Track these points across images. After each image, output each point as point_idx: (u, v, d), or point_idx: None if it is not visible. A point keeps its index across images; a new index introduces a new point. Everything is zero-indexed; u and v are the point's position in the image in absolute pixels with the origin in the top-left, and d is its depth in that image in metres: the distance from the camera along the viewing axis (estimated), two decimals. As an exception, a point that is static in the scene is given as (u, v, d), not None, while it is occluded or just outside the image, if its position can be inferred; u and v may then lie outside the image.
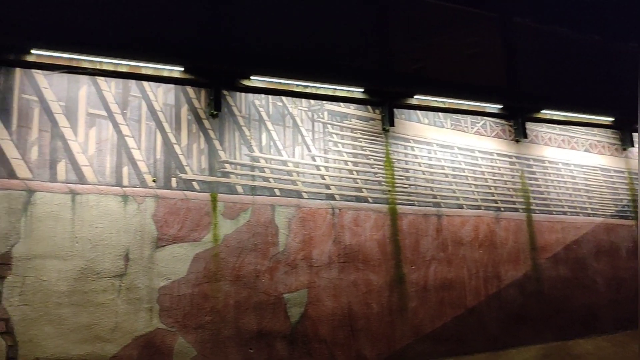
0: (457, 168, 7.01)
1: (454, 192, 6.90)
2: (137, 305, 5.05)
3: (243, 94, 5.88)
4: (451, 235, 6.63)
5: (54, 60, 5.12)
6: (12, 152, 4.92)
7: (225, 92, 5.80)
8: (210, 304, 5.29)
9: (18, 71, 5.08)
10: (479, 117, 7.25)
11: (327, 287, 5.81)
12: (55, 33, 5.07)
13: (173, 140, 5.53)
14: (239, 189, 5.68)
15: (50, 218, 4.92)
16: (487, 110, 7.06)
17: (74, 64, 5.21)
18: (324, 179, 6.14)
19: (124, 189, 5.20)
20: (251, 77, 5.72)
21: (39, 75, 5.14)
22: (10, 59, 5.00)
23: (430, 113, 6.88)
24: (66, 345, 4.75)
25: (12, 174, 4.87)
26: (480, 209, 6.96)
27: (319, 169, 6.13)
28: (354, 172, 6.30)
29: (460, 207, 6.87)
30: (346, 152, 6.34)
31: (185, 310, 5.21)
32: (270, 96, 6.01)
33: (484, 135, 7.37)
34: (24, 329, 4.68)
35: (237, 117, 5.89)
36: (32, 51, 5.01)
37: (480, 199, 7.05)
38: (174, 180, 5.43)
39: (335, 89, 6.10)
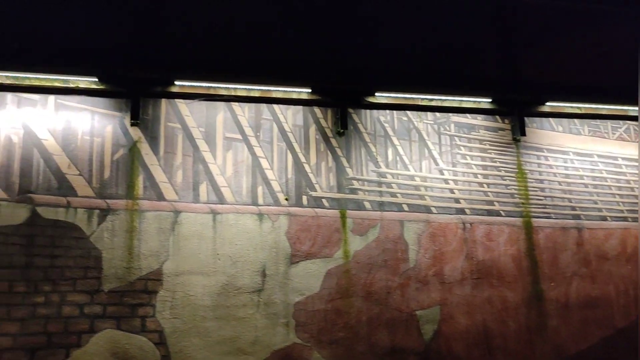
0: (598, 177, 6.89)
1: (596, 203, 6.78)
2: (274, 320, 5.58)
3: (368, 111, 6.30)
4: (594, 250, 6.51)
5: (194, 89, 5.87)
6: (160, 176, 5.71)
7: (350, 110, 6.26)
8: (344, 320, 5.69)
9: (163, 102, 5.90)
10: (621, 122, 7.08)
11: (460, 304, 5.99)
12: (195, 65, 5.83)
13: (303, 159, 6.06)
14: (367, 205, 6.07)
15: (194, 236, 5.62)
16: (630, 113, 6.89)
17: (211, 92, 5.93)
18: (453, 193, 6.36)
19: (259, 207, 5.80)
20: (376, 94, 6.12)
21: (182, 105, 5.92)
22: (157, 91, 5.82)
23: (565, 120, 6.85)
24: (212, 356, 5.37)
25: (160, 197, 5.65)
26: (627, 221, 6.77)
27: (447, 183, 6.36)
28: (485, 185, 6.44)
29: (604, 219, 6.73)
30: (475, 165, 6.51)
31: (320, 326, 5.65)
32: (395, 111, 6.37)
33: (628, 141, 7.17)
34: (175, 341, 5.37)
35: (363, 134, 6.32)
36: (176, 82, 5.80)
37: (627, 209, 6.85)
38: (304, 198, 5.95)
39: (461, 100, 6.32)
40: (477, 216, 6.18)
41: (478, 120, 6.61)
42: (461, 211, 6.17)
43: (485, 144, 6.55)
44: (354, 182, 6.01)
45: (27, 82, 5.36)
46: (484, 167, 6.45)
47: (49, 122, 5.41)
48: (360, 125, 6.19)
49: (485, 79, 6.38)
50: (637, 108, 6.95)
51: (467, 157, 6.44)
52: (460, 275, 5.97)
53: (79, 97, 5.53)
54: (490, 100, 6.31)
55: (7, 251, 5.07)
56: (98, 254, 5.22)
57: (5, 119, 5.31)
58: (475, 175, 6.39)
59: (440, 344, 5.74)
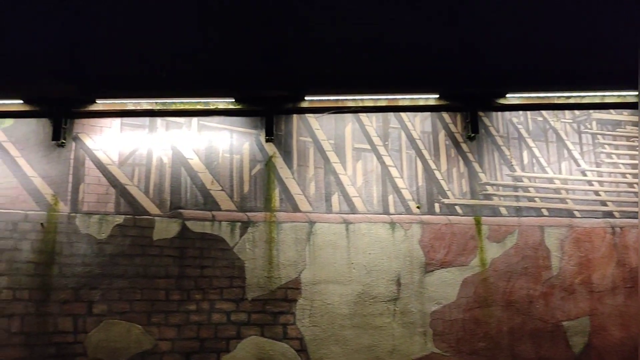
0: None
1: None
2: (411, 329, 5.90)
3: (499, 113, 6.48)
4: None
5: (323, 103, 6.43)
6: (295, 189, 6.31)
7: (481, 113, 6.49)
8: (483, 330, 5.88)
9: (295, 117, 6.52)
10: None
11: (612, 314, 5.93)
12: (324, 80, 6.40)
13: (433, 166, 6.38)
14: (503, 210, 6.24)
15: (329, 246, 6.13)
16: None
17: (339, 104, 6.45)
18: (599, 195, 6.33)
19: (391, 216, 6.19)
20: (507, 95, 6.30)
21: (312, 119, 6.51)
22: (288, 107, 6.45)
23: None
24: (352, 365, 5.81)
25: (296, 208, 6.24)
26: None
27: (591, 185, 6.35)
28: (635, 186, 6.36)
29: None
30: (623, 164, 6.44)
31: (458, 336, 5.88)
32: (528, 112, 6.49)
33: None
34: (315, 348, 5.88)
35: (495, 137, 6.51)
36: (306, 98, 6.41)
37: None
38: (437, 206, 6.25)
39: (603, 95, 6.30)
40: (628, 219, 6.10)
41: (624, 115, 6.53)
42: (609, 214, 6.13)
43: (633, 141, 6.45)
44: (488, 187, 6.22)
45: (173, 107, 6.22)
46: (634, 166, 6.35)
47: (193, 142, 6.23)
48: (491, 129, 6.40)
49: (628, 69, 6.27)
50: None
51: (613, 156, 6.38)
52: (611, 284, 5.93)
53: (218, 117, 6.30)
54: (637, 93, 6.22)
55: (162, 262, 5.91)
56: (241, 264, 5.90)
57: (156, 142, 6.21)
58: (623, 175, 6.32)
59: (591, 357, 5.74)
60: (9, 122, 5.93)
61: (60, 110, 5.87)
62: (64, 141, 5.87)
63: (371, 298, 5.67)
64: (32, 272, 5.57)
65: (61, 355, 5.38)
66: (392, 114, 6.21)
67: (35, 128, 5.95)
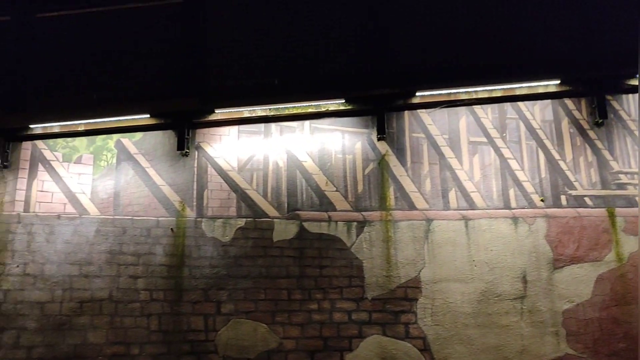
0: None
1: None
2: (541, 329, 5.95)
3: (630, 96, 6.39)
4: None
5: (435, 98, 6.67)
6: (410, 186, 6.61)
7: (609, 97, 6.43)
8: (623, 330, 5.79)
9: (406, 114, 6.83)
10: None
11: None
12: (435, 74, 6.67)
13: (557, 156, 6.41)
14: (640, 200, 6.10)
15: (448, 244, 6.35)
16: None
17: (452, 98, 6.68)
18: None
19: (512, 211, 6.30)
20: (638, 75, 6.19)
21: (424, 114, 6.78)
22: (399, 104, 6.77)
23: None
24: (479, 365, 5.96)
25: (412, 206, 6.53)
26: None
27: None
28: None
29: None
30: None
31: (595, 336, 5.84)
32: (666, 92, 6.29)
33: None
34: (439, 347, 6.10)
35: (627, 122, 6.40)
36: (417, 94, 6.71)
37: None
38: (563, 198, 6.27)
39: None
40: None
41: None
42: None
43: None
44: (621, 176, 6.14)
45: (286, 112, 6.79)
46: None
47: (306, 145, 6.75)
48: (622, 113, 6.32)
49: None
50: None
51: None
52: None
53: (329, 119, 6.77)
54: None
55: (283, 263, 6.46)
56: (359, 263, 6.30)
57: (272, 147, 6.81)
58: None
59: None
60: (138, 135, 6.81)
61: (183, 122, 6.62)
62: (187, 151, 6.61)
63: (495, 296, 5.83)
64: (166, 274, 6.34)
65: (195, 352, 6.05)
66: (508, 104, 6.33)
67: (162, 140, 6.76)
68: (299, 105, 6.43)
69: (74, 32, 7.06)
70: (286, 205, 6.24)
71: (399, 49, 6.34)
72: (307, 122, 6.47)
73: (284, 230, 6.17)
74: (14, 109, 6.66)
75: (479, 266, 5.79)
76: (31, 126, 6.61)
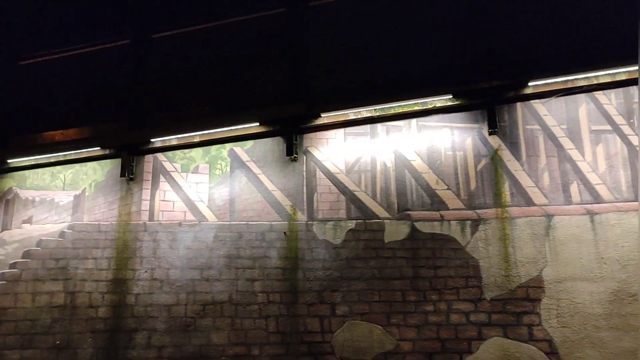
0: None
1: None
2: (687, 331, 5.51)
3: None
4: None
5: (550, 87, 6.43)
6: (526, 181, 6.41)
7: None
8: None
9: (518, 105, 6.64)
10: None
11: None
12: (547, 62, 6.43)
13: (696, 141, 5.91)
14: None
15: (572, 240, 6.07)
16: None
17: (569, 85, 6.41)
18: None
19: (645, 203, 5.90)
20: None
21: (538, 105, 6.56)
22: (510, 96, 6.60)
23: None
24: (614, 370, 5.63)
25: (529, 202, 6.32)
26: None
27: None
28: None
29: None
30: None
31: None
32: None
33: None
34: (567, 351, 5.83)
35: None
36: (530, 84, 6.50)
37: None
38: None
39: None
40: None
41: None
42: None
43: None
44: None
45: (392, 112, 6.86)
46: None
47: (414, 143, 6.78)
48: None
49: None
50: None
51: None
52: None
53: (437, 116, 6.76)
54: None
55: (395, 264, 6.52)
56: (475, 263, 6.21)
57: (379, 148, 6.91)
58: None
59: None
60: (249, 143, 7.21)
61: (291, 128, 6.92)
62: (296, 156, 6.90)
63: (630, 296, 5.53)
64: (281, 276, 6.64)
65: (312, 353, 6.28)
66: (634, 87, 5.99)
67: (271, 146, 7.11)
68: (405, 103, 6.50)
69: (185, 49, 7.65)
70: (396, 205, 6.33)
71: (507, 38, 6.24)
72: (413, 121, 6.53)
73: (395, 231, 6.25)
74: (137, 125, 7.33)
75: (609, 264, 5.53)
76: (152, 140, 7.22)
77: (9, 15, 7.66)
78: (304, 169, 6.85)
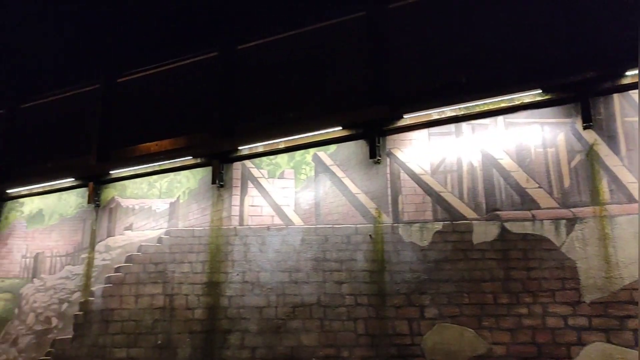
0: None
1: None
2: None
3: None
4: None
5: (650, 75, 6.04)
6: (626, 177, 6.02)
7: None
8: None
9: (615, 97, 6.26)
10: None
11: None
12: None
13: None
14: None
15: (683, 239, 5.63)
16: None
17: (671, 72, 5.97)
18: None
19: None
20: None
21: (637, 95, 6.19)
22: (606, 87, 6.23)
23: None
24: None
25: (631, 199, 5.93)
26: None
27: None
28: None
29: None
30: None
31: None
32: None
33: None
34: (680, 359, 5.42)
35: None
36: (627, 73, 6.13)
37: None
38: None
39: None
40: None
41: None
42: None
43: None
44: None
45: (477, 109, 6.72)
46: None
47: (501, 142, 6.60)
48: None
49: None
50: None
51: None
52: None
53: (525, 112, 6.55)
54: None
55: (486, 266, 6.37)
56: (572, 264, 5.94)
57: (464, 147, 6.79)
58: None
59: None
60: (332, 147, 7.34)
61: (374, 131, 6.97)
62: (379, 158, 6.94)
63: None
64: (368, 279, 6.70)
65: (402, 356, 6.28)
66: None
67: (355, 150, 7.20)
68: (491, 101, 6.37)
69: (269, 58, 7.93)
70: (484, 205, 6.22)
71: (600, 27, 5.94)
72: (500, 118, 6.39)
73: (484, 232, 6.14)
74: (226, 134, 7.69)
75: None
76: (240, 148, 7.54)
77: (107, 37, 8.29)
78: (388, 171, 6.89)
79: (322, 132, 7.15)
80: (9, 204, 9.21)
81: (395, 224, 6.63)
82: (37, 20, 7.76)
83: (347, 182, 7.04)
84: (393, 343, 6.33)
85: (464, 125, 6.64)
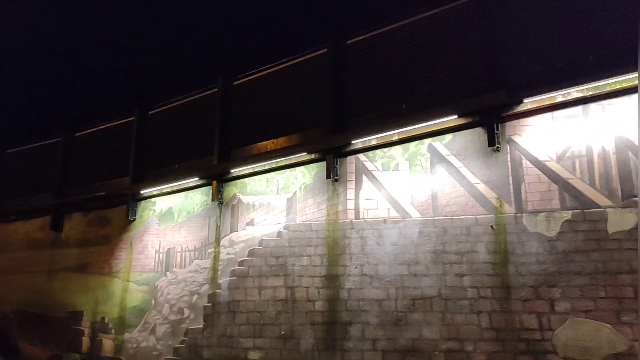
0: None
1: None
2: None
3: None
4: None
5: None
6: None
7: None
8: None
9: None
10: None
11: None
12: None
13: None
14: None
15: None
16: None
17: None
18: None
19: None
20: None
21: None
22: None
23: None
24: None
25: None
26: None
27: None
28: None
29: None
30: None
31: None
32: None
33: None
34: None
35: None
36: None
37: None
38: None
39: None
40: None
41: None
42: None
43: None
44: None
45: (607, 89, 6.24)
46: None
47: (637, 122, 6.07)
48: None
49: None
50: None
51: None
52: None
53: (665, 87, 5.95)
54: None
55: (623, 257, 5.89)
56: None
57: (594, 130, 6.32)
58: None
59: None
60: (448, 137, 7.18)
61: (492, 118, 6.72)
62: (499, 146, 6.68)
63: None
64: (491, 271, 6.49)
65: (531, 351, 6.02)
66: None
67: (471, 138, 6.99)
68: (623, 78, 5.92)
69: (379, 50, 7.94)
70: (620, 192, 5.81)
71: None
72: (635, 96, 5.90)
73: (621, 221, 5.74)
74: (339, 129, 7.81)
75: None
76: (353, 142, 7.62)
77: (222, 43, 8.75)
78: (509, 159, 6.64)
79: (437, 122, 7.04)
80: (143, 203, 10.02)
81: (519, 214, 6.39)
82: (163, 25, 8.35)
83: (465, 172, 6.89)
84: (521, 338, 6.12)
85: (593, 106, 6.24)
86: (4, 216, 11.64)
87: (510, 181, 6.54)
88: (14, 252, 11.18)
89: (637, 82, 5.86)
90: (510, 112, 6.61)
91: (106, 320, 9.31)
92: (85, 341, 9.33)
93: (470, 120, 6.86)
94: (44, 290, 10.38)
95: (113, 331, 9.21)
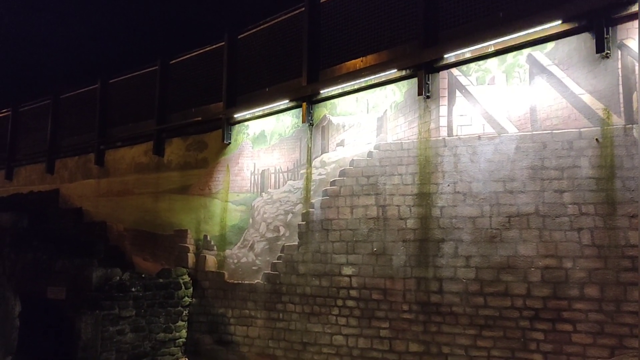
0: None
1: None
2: None
3: None
4: None
5: None
6: None
7: None
8: None
9: None
10: None
11: None
12: None
13: None
14: None
15: None
16: None
17: None
18: None
19: None
20: None
21: None
22: None
23: None
24: None
25: None
26: None
27: None
28: None
29: None
30: None
31: None
32: None
33: None
34: None
35: None
36: None
37: None
38: None
39: None
40: None
41: None
42: None
43: None
44: None
45: None
46: None
47: None
48: None
49: None
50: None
51: None
52: None
53: None
54: None
55: None
56: None
57: None
58: None
59: None
60: (549, 45, 6.74)
61: (601, 21, 6.19)
62: (608, 52, 6.19)
63: None
64: (594, 187, 6.21)
65: (636, 268, 5.79)
66: None
67: (576, 45, 6.52)
68: None
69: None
70: None
71: None
72: None
73: None
74: (430, 43, 7.53)
75: None
76: (445, 56, 7.37)
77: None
78: (619, 66, 6.19)
79: (538, 29, 6.62)
80: (237, 127, 10.41)
81: (629, 125, 6.01)
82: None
83: (568, 82, 6.51)
84: (626, 255, 5.93)
85: None
86: (112, 143, 12.57)
87: (621, 90, 6.13)
88: (123, 176, 12.14)
89: None
90: (624, 13, 6.07)
91: (208, 238, 10.02)
92: (191, 257, 10.13)
93: (577, 24, 6.40)
94: (152, 210, 11.27)
95: (215, 248, 9.91)
